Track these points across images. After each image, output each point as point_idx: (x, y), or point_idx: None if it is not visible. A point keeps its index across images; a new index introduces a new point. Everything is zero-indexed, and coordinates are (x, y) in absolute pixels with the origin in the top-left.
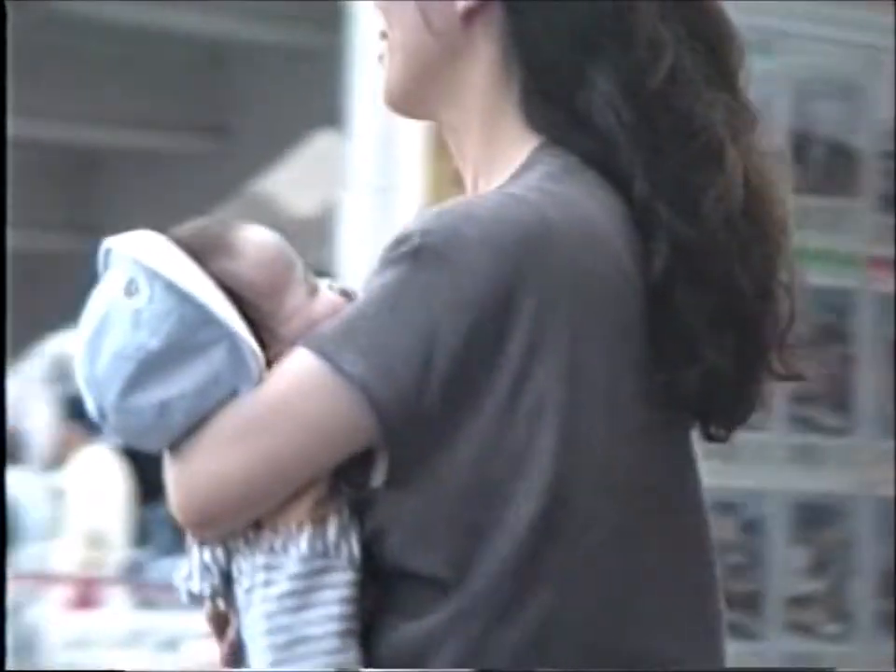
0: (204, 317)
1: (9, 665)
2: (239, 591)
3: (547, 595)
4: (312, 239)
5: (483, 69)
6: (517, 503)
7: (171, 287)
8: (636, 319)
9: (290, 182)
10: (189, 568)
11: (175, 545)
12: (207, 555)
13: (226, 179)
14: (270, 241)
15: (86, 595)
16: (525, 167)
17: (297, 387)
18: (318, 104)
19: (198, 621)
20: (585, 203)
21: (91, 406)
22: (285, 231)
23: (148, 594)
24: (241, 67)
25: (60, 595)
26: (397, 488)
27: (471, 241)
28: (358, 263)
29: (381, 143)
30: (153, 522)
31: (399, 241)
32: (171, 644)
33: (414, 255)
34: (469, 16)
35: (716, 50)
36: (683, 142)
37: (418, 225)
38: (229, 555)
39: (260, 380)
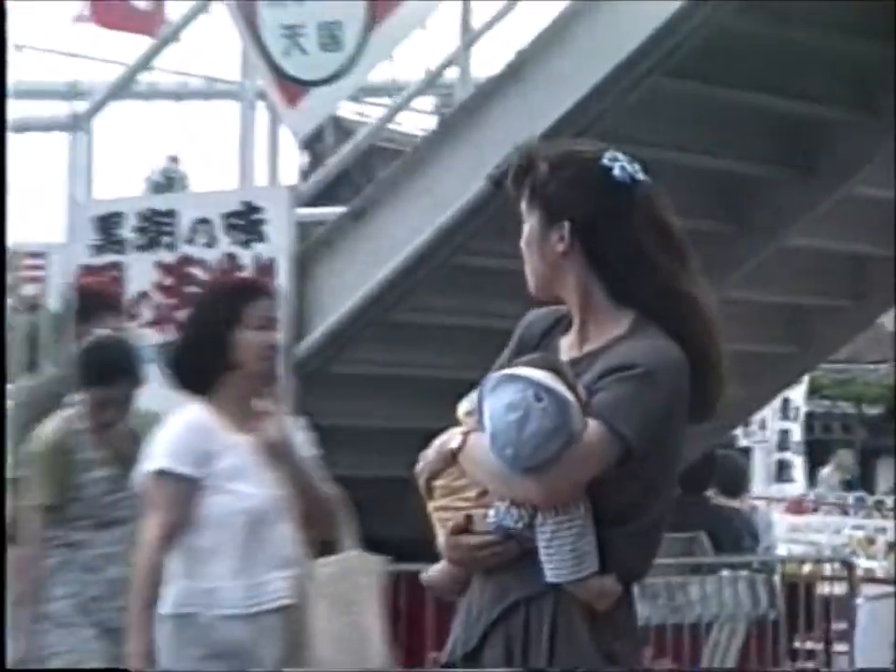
0: (571, 410)
1: None
2: (539, 531)
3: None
4: None
5: (576, 277)
6: (652, 511)
7: (555, 395)
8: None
9: None
10: (512, 515)
11: None
12: (524, 511)
13: None
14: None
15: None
16: (642, 329)
17: (595, 438)
18: None
19: None
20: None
21: (515, 461)
22: None
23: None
24: None
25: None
26: (610, 490)
27: (667, 371)
28: None
29: None
30: None
31: (629, 366)
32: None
33: (641, 377)
34: (564, 253)
35: (678, 252)
36: (671, 297)
37: (639, 359)
38: (533, 512)
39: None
